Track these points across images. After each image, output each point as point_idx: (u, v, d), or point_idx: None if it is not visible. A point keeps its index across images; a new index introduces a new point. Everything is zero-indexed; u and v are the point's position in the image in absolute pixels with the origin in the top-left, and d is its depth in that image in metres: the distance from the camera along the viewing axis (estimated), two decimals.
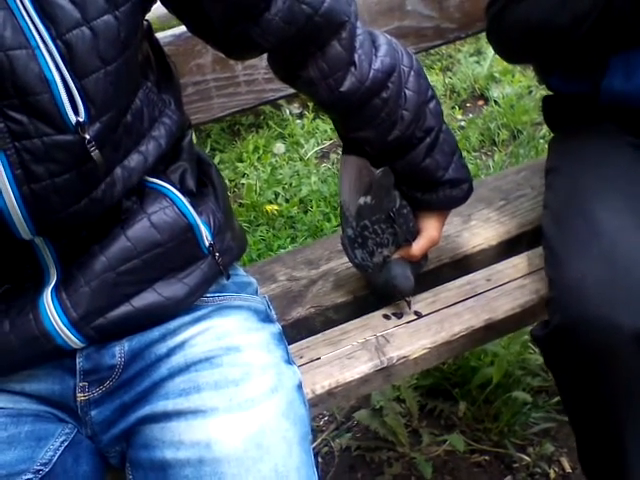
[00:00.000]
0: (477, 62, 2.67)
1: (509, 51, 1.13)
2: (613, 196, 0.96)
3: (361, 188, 1.00)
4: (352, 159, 1.01)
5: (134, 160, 0.77)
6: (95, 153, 0.69)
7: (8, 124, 0.66)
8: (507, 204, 1.23)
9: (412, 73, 0.93)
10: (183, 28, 0.98)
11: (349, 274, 1.11)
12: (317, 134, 2.42)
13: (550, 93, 1.20)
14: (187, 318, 0.82)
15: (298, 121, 2.50)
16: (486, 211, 1.21)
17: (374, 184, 0.99)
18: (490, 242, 1.16)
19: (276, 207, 2.08)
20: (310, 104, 2.43)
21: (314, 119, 2.45)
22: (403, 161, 0.97)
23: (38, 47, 0.65)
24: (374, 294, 1.07)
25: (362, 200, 1.00)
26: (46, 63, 0.66)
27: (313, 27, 0.83)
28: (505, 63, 2.59)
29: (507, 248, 1.15)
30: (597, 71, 1.04)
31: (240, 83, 1.16)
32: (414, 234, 1.02)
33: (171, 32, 1.10)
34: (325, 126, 2.39)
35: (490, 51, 2.64)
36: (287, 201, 2.13)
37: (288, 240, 1.96)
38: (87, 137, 0.68)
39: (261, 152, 2.34)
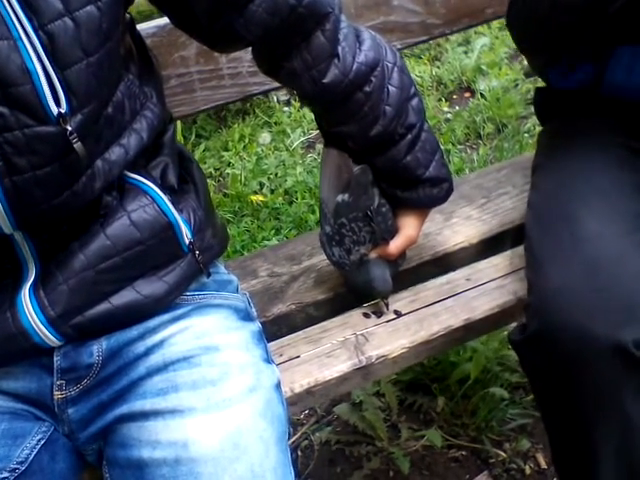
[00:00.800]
0: (465, 52, 2.66)
1: (528, 27, 1.03)
2: (598, 200, 0.94)
3: (339, 185, 1.00)
4: (333, 155, 1.01)
5: (115, 153, 0.76)
6: (78, 145, 0.69)
7: None
8: (488, 202, 1.22)
9: (395, 69, 0.92)
10: (167, 19, 0.97)
11: (330, 271, 1.11)
12: (304, 123, 2.40)
13: (543, 85, 1.17)
14: (166, 317, 0.82)
15: (285, 109, 2.48)
16: (467, 209, 1.21)
17: (352, 182, 0.99)
18: (471, 240, 1.16)
19: (261, 198, 2.07)
20: None
21: (301, 107, 2.43)
22: (384, 157, 0.97)
23: (20, 38, 0.65)
24: (351, 292, 1.07)
25: (340, 198, 0.99)
26: (28, 54, 0.65)
27: (297, 18, 0.82)
28: (492, 55, 2.60)
29: (488, 246, 1.15)
30: (602, 60, 1.01)
31: (224, 76, 1.15)
32: (392, 233, 1.02)
33: (155, 23, 1.08)
34: (312, 115, 2.37)
35: (478, 42, 2.64)
36: (272, 192, 2.11)
37: (272, 232, 1.95)
38: (69, 128, 0.68)
39: (247, 141, 2.33)
